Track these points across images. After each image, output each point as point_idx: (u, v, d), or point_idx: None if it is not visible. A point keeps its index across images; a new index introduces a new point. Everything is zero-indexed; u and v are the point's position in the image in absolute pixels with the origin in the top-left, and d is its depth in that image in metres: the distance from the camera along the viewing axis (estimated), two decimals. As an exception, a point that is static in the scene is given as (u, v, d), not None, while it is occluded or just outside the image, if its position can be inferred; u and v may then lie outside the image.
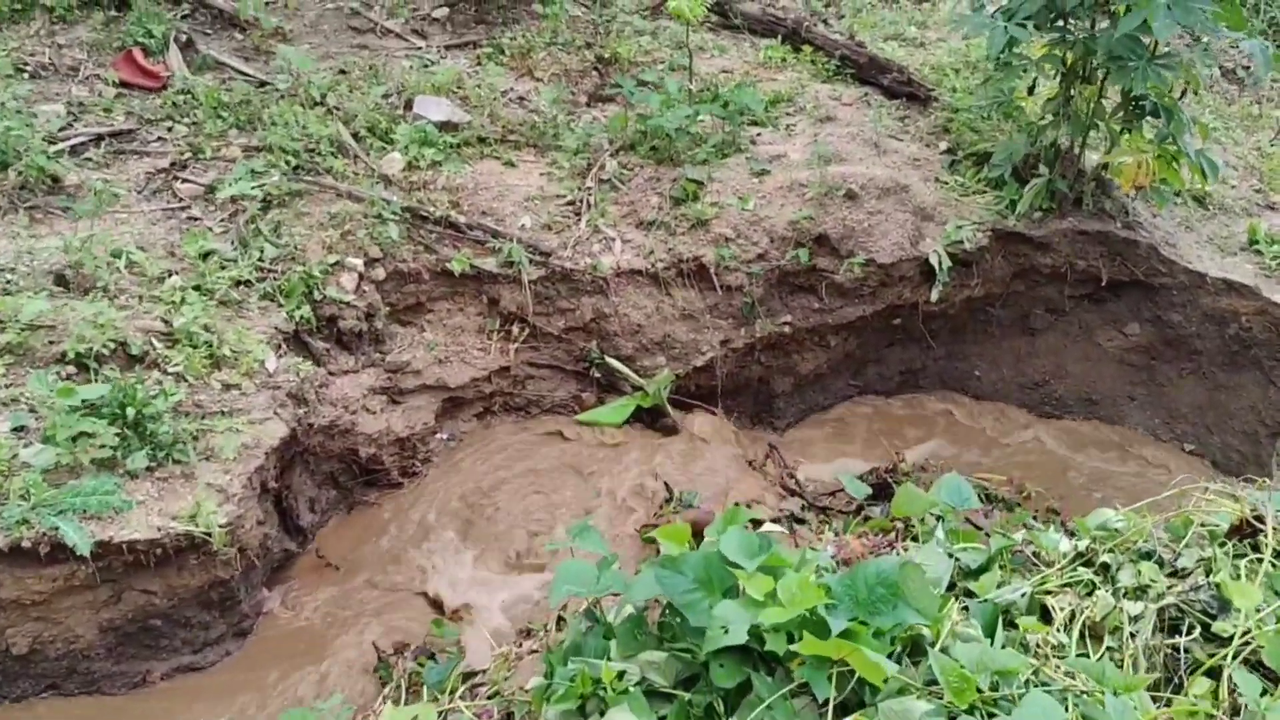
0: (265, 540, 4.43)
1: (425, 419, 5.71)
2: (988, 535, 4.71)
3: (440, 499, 5.44)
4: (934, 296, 6.45)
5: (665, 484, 5.48)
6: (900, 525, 4.64)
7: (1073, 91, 6.31)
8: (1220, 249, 6.79)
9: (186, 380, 4.61)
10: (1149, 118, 6.13)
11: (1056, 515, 6.12)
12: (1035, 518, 6.03)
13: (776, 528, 3.36)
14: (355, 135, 6.50)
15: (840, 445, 6.67)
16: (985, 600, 3.52)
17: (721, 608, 2.89)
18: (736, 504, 5.06)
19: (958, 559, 3.96)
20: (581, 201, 6.38)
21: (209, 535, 3.98)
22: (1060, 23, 6.09)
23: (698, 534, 5.24)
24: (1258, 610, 3.39)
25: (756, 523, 4.19)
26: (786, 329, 6.43)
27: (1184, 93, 6.35)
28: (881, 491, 6.02)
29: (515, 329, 6.06)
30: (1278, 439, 6.53)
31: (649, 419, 6.20)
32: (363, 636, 4.41)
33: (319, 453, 5.21)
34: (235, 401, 4.65)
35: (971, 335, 6.96)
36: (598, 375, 6.18)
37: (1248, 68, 8.95)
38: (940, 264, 6.36)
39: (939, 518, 4.37)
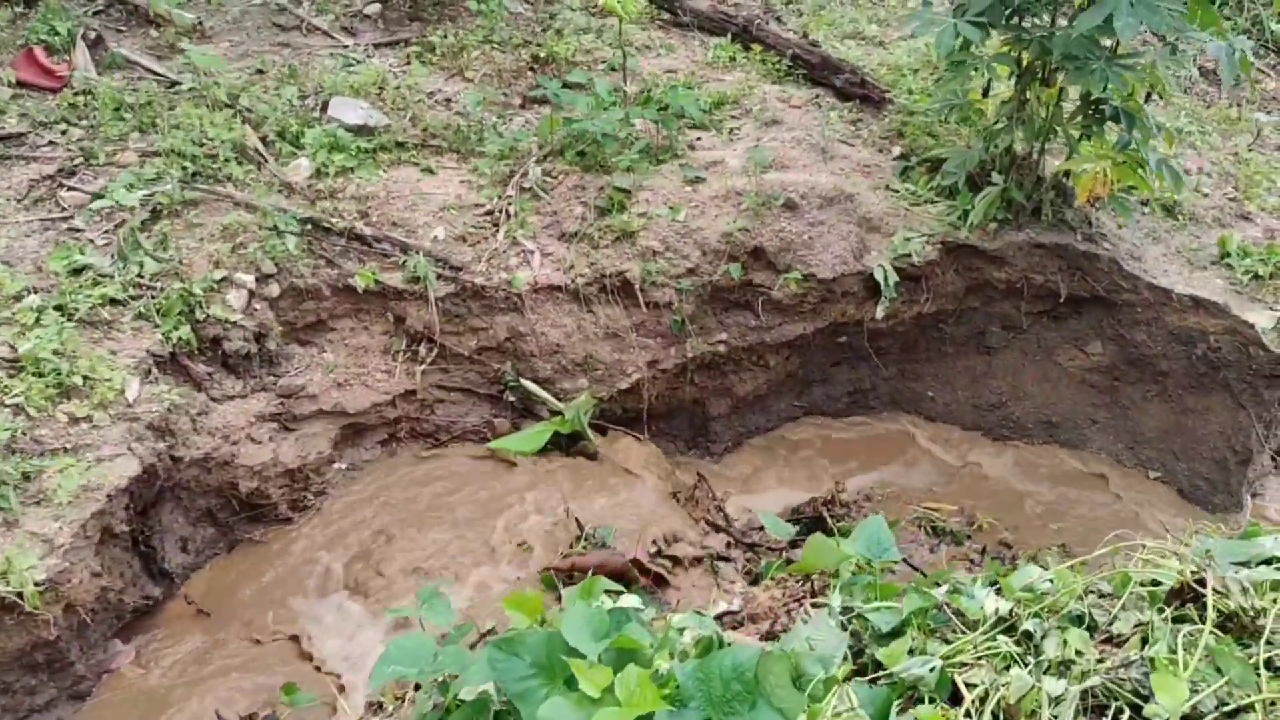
0: (105, 594, 3.99)
1: (320, 448, 5.27)
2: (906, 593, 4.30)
3: (332, 537, 5.01)
4: (879, 314, 6.01)
5: (577, 520, 5.04)
6: (817, 577, 4.22)
7: (1029, 94, 5.87)
8: (1189, 262, 6.35)
9: (26, 413, 4.17)
10: (1110, 122, 5.69)
11: (1009, 549, 5.70)
12: (985, 551, 5.63)
13: (634, 601, 2.92)
14: (264, 140, 6.07)
15: (780, 472, 6.23)
16: (881, 680, 3.09)
17: (550, 706, 2.45)
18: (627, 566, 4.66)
19: (867, 621, 3.54)
20: (501, 211, 5.95)
21: (20, 596, 3.54)
22: (1015, 20, 5.65)
23: (617, 574, 4.83)
24: (1192, 691, 2.97)
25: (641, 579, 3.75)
26: (721, 348, 6.00)
27: (1149, 96, 5.90)
28: (817, 525, 5.60)
29: (423, 349, 5.62)
30: (1247, 466, 6.10)
31: (569, 445, 5.76)
32: (212, 696, 3.97)
33: (193, 487, 4.78)
34: (83, 436, 4.21)
35: (924, 354, 6.52)
36: (513, 399, 5.75)
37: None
38: (886, 279, 5.92)
39: (854, 570, 3.94)
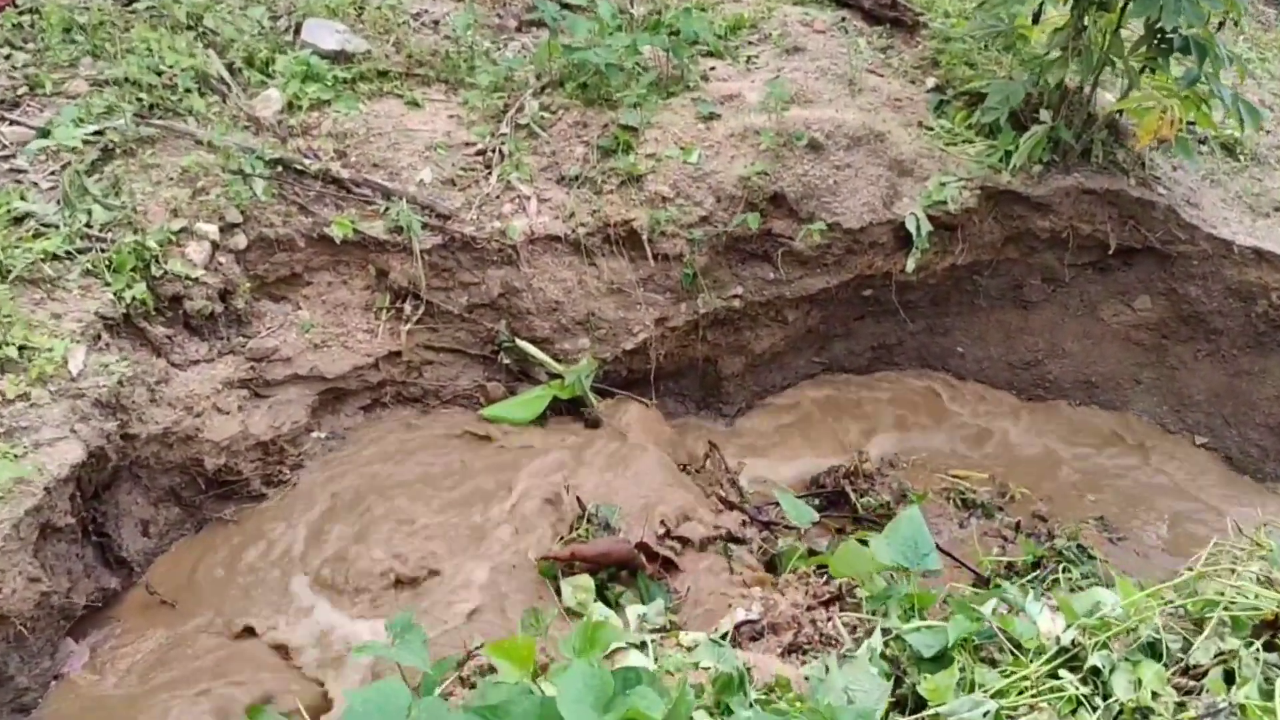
0: (47, 599, 3.54)
1: (296, 416, 4.79)
2: (947, 601, 3.86)
3: (309, 516, 4.55)
4: (910, 267, 5.47)
5: (578, 499, 4.58)
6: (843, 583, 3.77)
7: (1086, 21, 5.24)
8: (1250, 209, 5.79)
9: (-52, 393, 3.69)
10: (1176, 54, 5.08)
11: (1043, 522, 5.26)
12: (1019, 527, 5.19)
13: (641, 660, 2.47)
14: (230, 67, 5.45)
15: (798, 435, 5.76)
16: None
17: (540, 807, 2.00)
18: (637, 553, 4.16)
19: (905, 643, 3.10)
20: (494, 151, 5.37)
21: (-62, 614, 3.11)
22: (1072, -64, 5.02)
23: (622, 563, 4.38)
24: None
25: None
26: (736, 303, 5.47)
27: (1222, 23, 5.26)
28: (838, 500, 5.15)
29: (408, 306, 5.10)
30: (1305, 433, 5.64)
31: (570, 411, 5.28)
32: (172, 714, 3.55)
33: (154, 465, 4.31)
34: (18, 418, 3.72)
35: (955, 307, 6.00)
36: (507, 361, 5.24)
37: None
38: (918, 228, 5.37)
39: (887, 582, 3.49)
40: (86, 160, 4.75)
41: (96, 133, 4.88)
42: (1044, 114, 5.39)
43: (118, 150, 4.87)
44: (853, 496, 5.03)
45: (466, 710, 2.26)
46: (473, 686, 3.21)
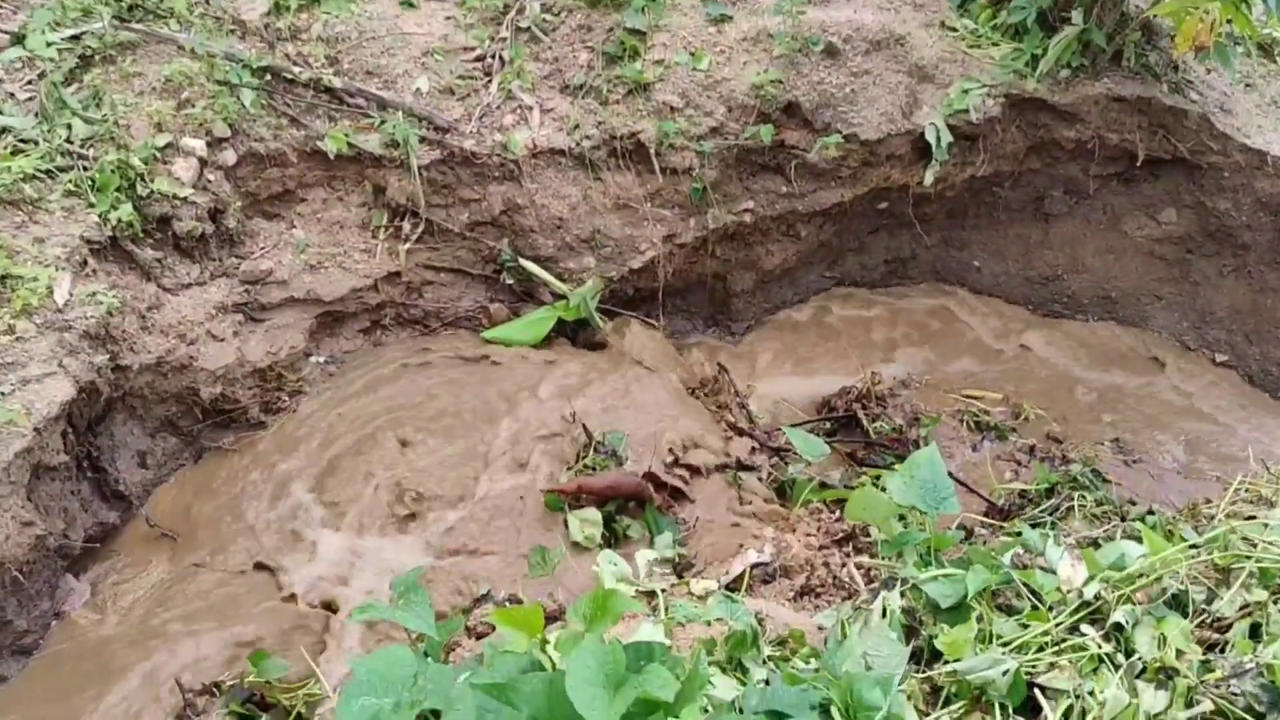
0: (42, 542, 3.46)
1: (293, 341, 4.65)
2: (967, 538, 3.78)
3: (310, 444, 4.45)
4: (929, 180, 5.26)
5: (584, 426, 4.47)
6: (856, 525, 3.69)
7: (1121, -86, 4.92)
8: (1285, 116, 5.54)
9: (-72, 329, 3.55)
10: (1217, -49, 4.76)
11: (1058, 444, 5.17)
12: (1033, 451, 5.09)
13: (657, 634, 2.37)
14: (213, -37, 5.15)
15: (808, 353, 5.62)
16: (943, 677, 2.59)
17: (550, 796, 1.94)
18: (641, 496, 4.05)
19: (922, 592, 3.02)
20: (494, 57, 5.10)
21: (-74, 566, 3.03)
22: None
23: (630, 495, 4.29)
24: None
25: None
26: (747, 218, 5.28)
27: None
28: (849, 423, 5.05)
29: (407, 225, 4.91)
30: (1329, 352, 5.49)
31: (574, 333, 5.13)
32: (174, 659, 3.50)
33: (148, 395, 4.19)
34: (3, 354, 3.57)
35: (973, 220, 5.79)
36: (510, 281, 5.07)
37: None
38: (939, 139, 5.14)
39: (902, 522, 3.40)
40: (64, 69, 4.52)
41: (73, 37, 4.63)
42: (1075, 14, 5.09)
43: (96, 58, 4.63)
44: (864, 421, 4.91)
45: (473, 686, 2.17)
46: (480, 637, 3.16)
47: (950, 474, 3.85)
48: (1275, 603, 2.83)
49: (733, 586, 3.31)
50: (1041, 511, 4.40)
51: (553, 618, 3.18)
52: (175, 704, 3.30)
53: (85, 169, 4.24)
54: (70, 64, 4.56)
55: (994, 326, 5.86)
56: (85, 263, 4.01)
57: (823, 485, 4.30)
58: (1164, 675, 2.67)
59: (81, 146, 4.31)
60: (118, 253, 4.24)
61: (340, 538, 4.14)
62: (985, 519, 4.26)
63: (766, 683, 2.49)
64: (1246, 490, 3.82)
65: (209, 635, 3.61)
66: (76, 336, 3.74)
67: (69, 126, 4.34)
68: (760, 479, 4.60)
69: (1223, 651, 2.78)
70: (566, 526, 4.06)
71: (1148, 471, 5.09)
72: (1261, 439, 5.23)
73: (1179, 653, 2.71)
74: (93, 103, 4.47)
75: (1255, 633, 2.83)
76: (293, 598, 3.87)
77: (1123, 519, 4.10)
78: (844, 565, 3.33)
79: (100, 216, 4.16)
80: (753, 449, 4.71)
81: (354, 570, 4.00)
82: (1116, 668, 2.71)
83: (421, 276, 4.98)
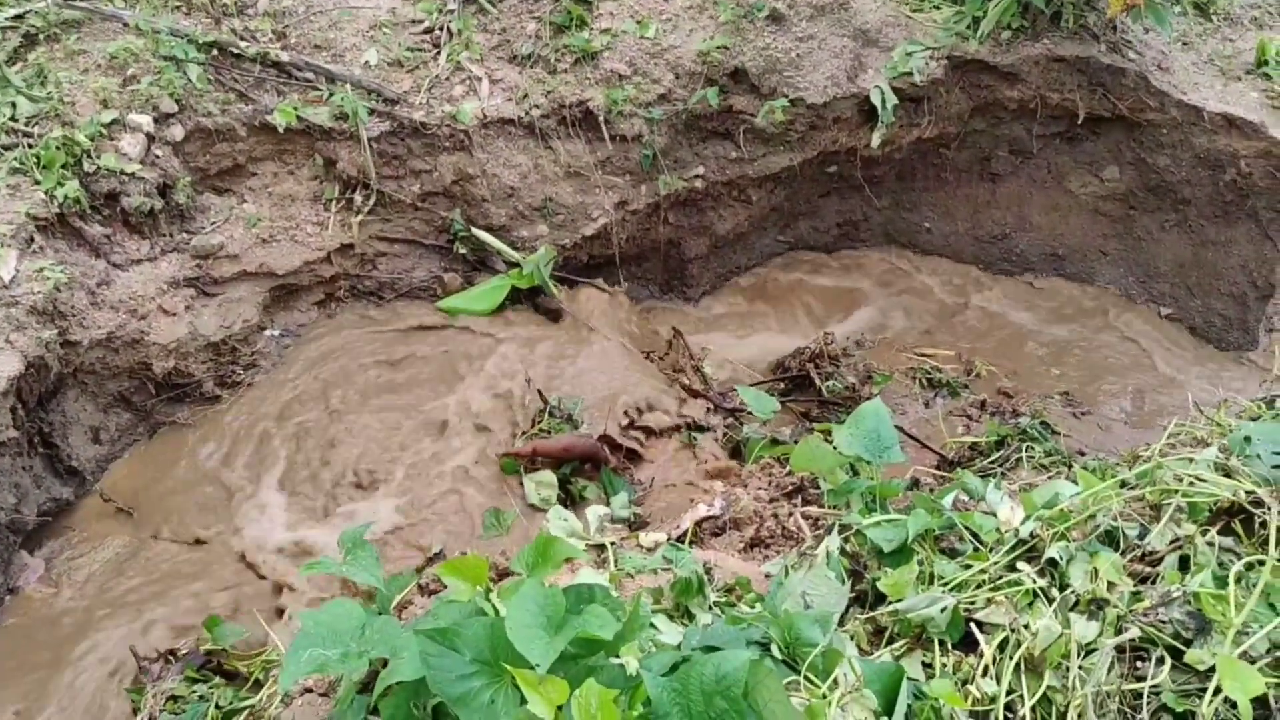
0: (-9, 518, 3.49)
1: (247, 314, 4.66)
2: (913, 488, 3.86)
3: (265, 417, 4.48)
4: (875, 142, 5.32)
5: (539, 392, 4.52)
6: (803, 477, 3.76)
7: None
8: (1221, 72, 5.63)
9: (-125, 308, 3.54)
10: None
11: (1009, 399, 5.27)
12: (984, 406, 5.19)
13: (598, 577, 2.43)
14: (157, -61, 5.12)
15: (763, 315, 5.70)
16: (884, 615, 2.67)
17: (490, 730, 2.00)
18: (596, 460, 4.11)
19: (866, 538, 3.09)
20: (442, 29, 5.11)
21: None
22: None
23: (585, 457, 4.34)
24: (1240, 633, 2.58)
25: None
26: (698, 184, 5.33)
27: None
28: (804, 383, 5.12)
29: (358, 197, 4.92)
30: (1267, 302, 5.62)
31: (529, 300, 5.17)
32: (129, 628, 3.53)
33: (100, 371, 4.20)
34: (-51, 331, 3.59)
35: (921, 182, 5.87)
36: (464, 251, 5.10)
37: None
38: (884, 102, 5.20)
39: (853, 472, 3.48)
40: (7, 48, 4.50)
41: (17, 16, 4.61)
42: (1014, -23, 5.17)
43: (41, 36, 4.63)
44: (817, 380, 4.99)
45: (417, 632, 2.23)
46: (432, 594, 3.21)
47: (900, 428, 3.96)
48: (1203, 535, 2.94)
49: (683, 539, 3.38)
50: (991, 463, 4.50)
51: (504, 574, 3.23)
52: (130, 671, 3.33)
53: (30, 146, 4.23)
54: (14, 43, 4.55)
55: (945, 286, 5.95)
56: (32, 239, 4.01)
57: (774, 442, 4.37)
58: (1095, 606, 2.77)
59: (26, 124, 4.30)
60: (65, 229, 4.23)
61: (296, 506, 4.18)
62: (936, 472, 4.35)
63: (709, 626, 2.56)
64: (1185, 434, 3.93)
65: (163, 605, 3.66)
66: (23, 312, 3.75)
67: (13, 105, 4.33)
68: (715, 439, 4.67)
69: (1154, 584, 2.88)
70: (522, 489, 4.12)
71: (1096, 423, 5.20)
72: (1206, 388, 5.35)
73: (1110, 585, 2.81)
74: (37, 81, 4.46)
75: (1185, 565, 2.93)
76: (249, 567, 3.91)
77: (1069, 468, 4.21)
78: (790, 515, 3.40)
79: (46, 193, 4.16)
80: (708, 410, 4.78)
81: (309, 539, 4.04)
82: (1050, 601, 2.81)
83: (374, 248, 5.00)
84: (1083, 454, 4.55)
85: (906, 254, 6.09)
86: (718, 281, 5.82)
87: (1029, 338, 5.70)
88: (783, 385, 5.10)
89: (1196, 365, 5.56)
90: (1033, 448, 4.53)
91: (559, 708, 2.02)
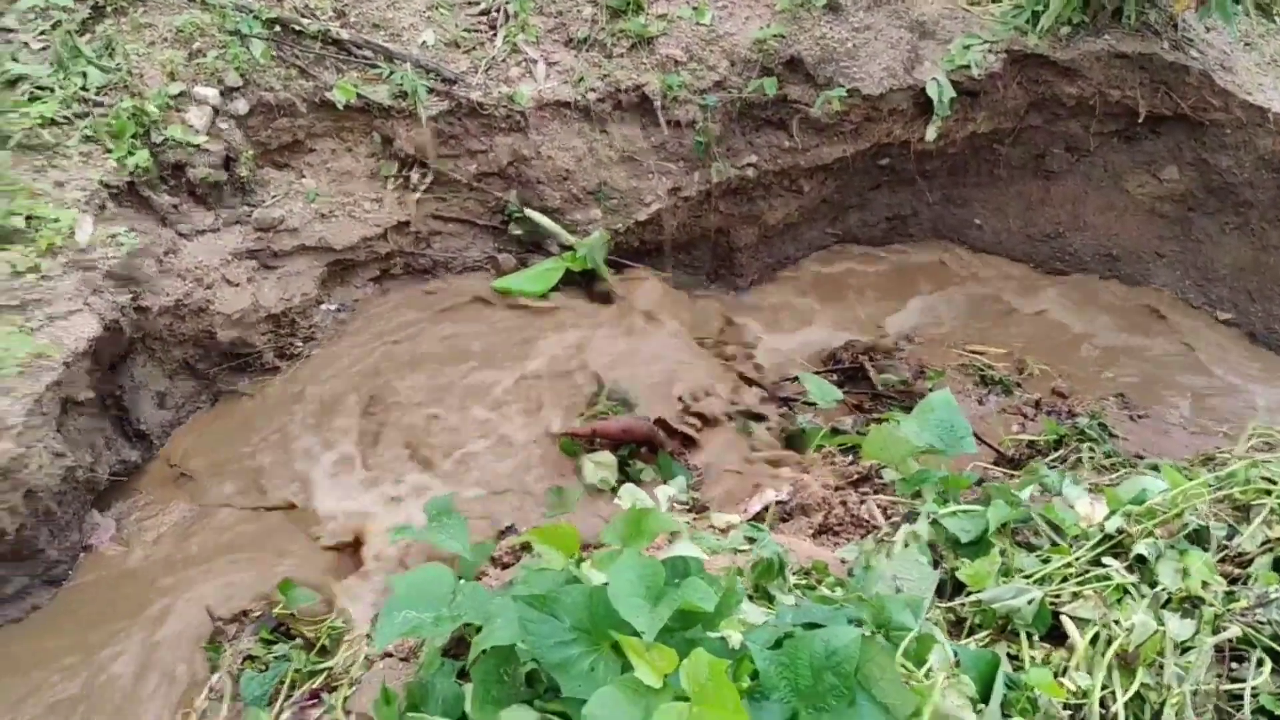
0: (72, 473, 3.49)
1: (305, 288, 4.66)
2: (980, 483, 3.81)
3: (322, 388, 4.48)
4: (930, 135, 5.29)
5: (595, 375, 4.50)
6: (871, 465, 3.74)
7: None
8: (1284, 74, 5.59)
9: (-48, 268, 3.54)
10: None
11: (1063, 399, 5.22)
12: (1039, 405, 5.14)
13: (694, 550, 2.40)
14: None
15: (812, 308, 5.67)
16: (967, 607, 2.64)
17: (600, 700, 1.98)
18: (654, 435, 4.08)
19: (943, 528, 3.06)
20: (498, 10, 5.10)
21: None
22: None
23: (643, 440, 4.32)
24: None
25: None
26: (750, 172, 5.30)
27: None
28: (855, 376, 5.10)
29: (415, 175, 4.91)
30: (1328, 309, 5.57)
31: (581, 284, 5.15)
32: (203, 588, 3.53)
33: (166, 338, 4.20)
34: (28, 291, 3.59)
35: (974, 177, 5.83)
36: (518, 232, 5.09)
37: None
38: (940, 95, 5.17)
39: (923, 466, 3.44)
40: (77, 19, 4.51)
41: (83, -12, 4.60)
42: (1077, -28, 5.14)
43: (108, 9, 4.63)
44: (872, 373, 4.96)
45: (515, 598, 2.21)
46: (505, 567, 3.19)
47: (979, 438, 3.89)
48: (1298, 533, 2.90)
49: (753, 522, 3.35)
50: (1051, 462, 4.45)
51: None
52: (203, 630, 3.34)
53: (101, 116, 4.24)
54: (82, 14, 4.55)
55: (996, 284, 5.91)
56: (104, 206, 4.03)
57: (834, 431, 4.35)
58: (1189, 605, 2.72)
59: (97, 94, 4.31)
60: (134, 198, 4.24)
61: (359, 478, 4.17)
62: (995, 468, 4.32)
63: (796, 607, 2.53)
64: (1260, 437, 3.88)
65: (234, 568, 3.66)
66: (100, 276, 3.77)
67: (84, 75, 4.34)
68: (769, 428, 4.64)
69: (1246, 585, 2.83)
70: (580, 470, 4.10)
71: (1154, 427, 5.14)
72: (1266, 395, 5.29)
73: (1204, 583, 2.76)
74: (106, 52, 4.47)
75: (1278, 567, 2.88)
76: (316, 536, 3.91)
77: (1131, 469, 4.16)
78: (862, 503, 3.38)
79: (118, 161, 4.17)
80: (762, 399, 4.76)
81: (374, 509, 4.03)
82: (1141, 597, 2.76)
83: (430, 226, 4.99)
84: (1140, 457, 4.50)
85: (957, 250, 6.05)
86: (766, 272, 5.79)
87: (1082, 338, 5.65)
88: (835, 377, 5.07)
89: (1256, 372, 5.48)
90: (1092, 448, 4.48)
91: (665, 677, 1.99)
